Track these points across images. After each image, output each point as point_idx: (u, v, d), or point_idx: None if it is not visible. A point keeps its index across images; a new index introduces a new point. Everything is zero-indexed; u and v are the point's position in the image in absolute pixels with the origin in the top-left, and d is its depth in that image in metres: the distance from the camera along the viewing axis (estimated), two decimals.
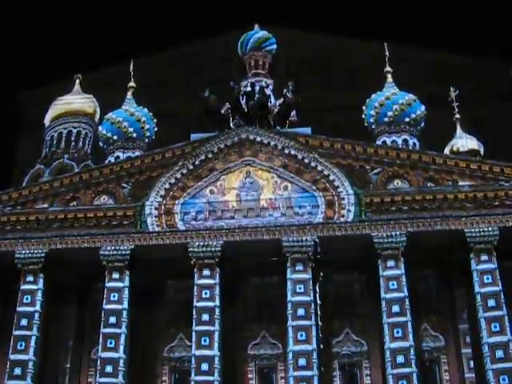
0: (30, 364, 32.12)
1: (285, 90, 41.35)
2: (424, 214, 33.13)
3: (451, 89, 44.26)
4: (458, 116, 45.32)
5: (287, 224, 33.60)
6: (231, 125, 39.68)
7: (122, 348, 32.12)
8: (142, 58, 46.92)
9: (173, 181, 34.91)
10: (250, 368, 35.66)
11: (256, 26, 47.55)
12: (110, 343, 32.30)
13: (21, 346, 32.44)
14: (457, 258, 33.97)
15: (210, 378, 31.06)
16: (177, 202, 34.41)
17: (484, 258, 32.32)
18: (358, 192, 33.60)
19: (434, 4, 69.87)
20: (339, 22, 65.87)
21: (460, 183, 33.52)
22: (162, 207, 34.35)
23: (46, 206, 35.18)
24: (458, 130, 45.68)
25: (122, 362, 31.85)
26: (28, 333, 32.70)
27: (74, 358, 36.28)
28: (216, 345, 31.73)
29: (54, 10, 75.14)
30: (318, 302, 34.01)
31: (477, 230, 32.51)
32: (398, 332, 31.24)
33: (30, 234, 34.54)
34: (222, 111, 40.98)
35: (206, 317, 32.31)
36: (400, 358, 30.72)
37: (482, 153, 43.87)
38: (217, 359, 31.48)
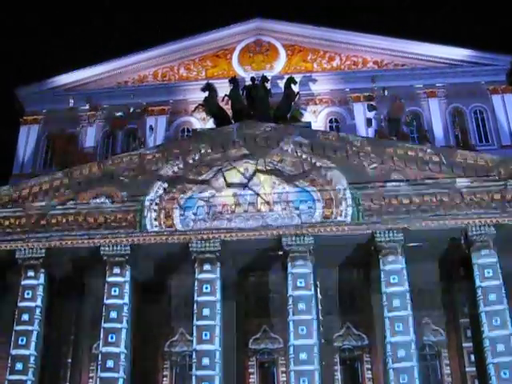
0: (32, 359, 32.11)
1: (285, 84, 41.54)
2: (423, 208, 33.11)
3: None
4: None
5: (287, 221, 33.45)
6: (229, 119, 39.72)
7: (123, 343, 32.07)
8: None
9: (172, 175, 34.83)
10: (250, 363, 35.83)
11: None
12: (111, 338, 32.30)
13: (22, 341, 32.42)
14: (457, 252, 33.94)
15: (211, 373, 30.98)
16: (176, 198, 34.27)
17: (485, 252, 32.21)
18: (356, 187, 33.51)
19: None
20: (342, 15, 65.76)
21: (458, 179, 33.35)
22: (163, 203, 34.23)
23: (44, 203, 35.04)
24: None
25: (123, 356, 31.79)
26: (29, 328, 32.68)
27: (75, 352, 36.36)
28: (217, 339, 31.65)
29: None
30: (319, 296, 34.12)
31: (477, 225, 32.46)
32: (398, 326, 31.07)
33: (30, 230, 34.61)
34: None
35: (206, 311, 32.29)
36: (401, 352, 30.61)
37: None
38: (218, 354, 31.40)
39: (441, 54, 44.18)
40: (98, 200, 34.74)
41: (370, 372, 34.83)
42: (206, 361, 31.16)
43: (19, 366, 31.86)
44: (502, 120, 42.15)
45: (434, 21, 73.21)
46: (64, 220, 34.43)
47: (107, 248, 33.67)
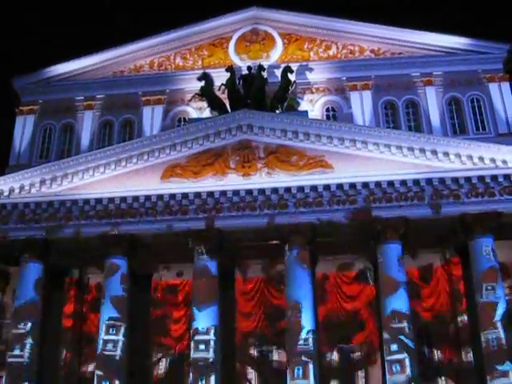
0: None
1: (281, 73, 41.50)
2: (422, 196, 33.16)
3: None
4: None
5: (285, 208, 33.53)
6: (226, 108, 39.69)
7: (122, 330, 32.31)
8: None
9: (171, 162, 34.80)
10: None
11: None
12: (112, 330, 32.46)
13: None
14: (455, 238, 34.13)
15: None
16: (175, 185, 34.20)
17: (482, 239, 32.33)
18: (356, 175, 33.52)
19: None
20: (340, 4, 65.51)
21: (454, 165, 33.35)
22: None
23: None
24: None
25: (120, 343, 32.04)
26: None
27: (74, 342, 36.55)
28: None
29: None
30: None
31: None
32: None
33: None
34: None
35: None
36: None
37: None
38: (212, 342, 31.68)
39: (437, 42, 44.05)
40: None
41: None
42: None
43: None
44: (498, 108, 42.06)
45: (430, 9, 73.16)
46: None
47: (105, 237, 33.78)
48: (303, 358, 30.78)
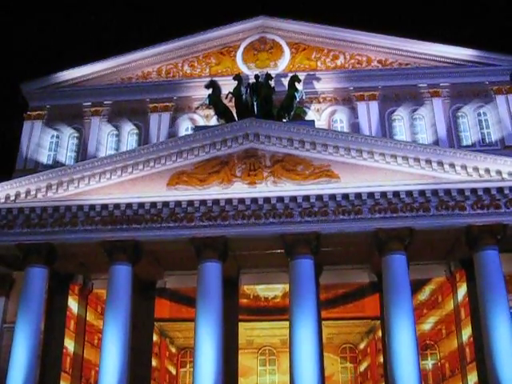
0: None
1: (288, 82, 41.58)
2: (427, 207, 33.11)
3: None
4: None
5: (290, 217, 33.50)
6: (233, 116, 39.78)
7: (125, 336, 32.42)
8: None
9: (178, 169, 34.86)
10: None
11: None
12: (112, 331, 32.51)
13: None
14: (460, 250, 34.06)
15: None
16: (181, 193, 34.23)
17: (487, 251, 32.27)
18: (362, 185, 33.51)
19: None
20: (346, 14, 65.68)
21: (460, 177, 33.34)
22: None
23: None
24: None
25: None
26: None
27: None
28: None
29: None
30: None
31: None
32: None
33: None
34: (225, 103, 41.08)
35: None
36: None
37: None
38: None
39: (445, 53, 44.11)
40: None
41: None
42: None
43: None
44: (505, 120, 42.02)
45: (438, 20, 73.28)
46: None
47: (110, 242, 33.90)
48: None
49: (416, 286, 35.59)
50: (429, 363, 37.92)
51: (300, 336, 31.27)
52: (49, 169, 37.91)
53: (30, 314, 33.10)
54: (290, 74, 42.38)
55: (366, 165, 33.81)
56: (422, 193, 32.91)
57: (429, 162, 33.33)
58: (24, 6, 79.33)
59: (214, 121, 41.99)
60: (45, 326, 33.84)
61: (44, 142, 44.80)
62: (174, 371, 42.88)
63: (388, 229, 32.74)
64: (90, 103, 45.28)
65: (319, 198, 33.20)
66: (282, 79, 42.75)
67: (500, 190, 32.71)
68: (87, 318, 38.69)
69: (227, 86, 41.42)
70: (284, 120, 39.20)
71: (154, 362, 38.14)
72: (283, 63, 45.06)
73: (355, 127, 42.45)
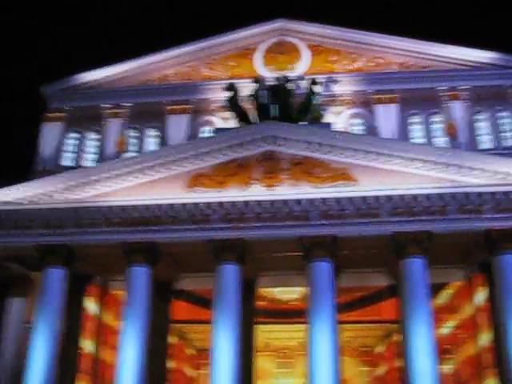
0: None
1: (307, 85, 41.58)
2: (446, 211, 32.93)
3: None
4: None
5: (308, 220, 33.46)
6: (251, 119, 39.85)
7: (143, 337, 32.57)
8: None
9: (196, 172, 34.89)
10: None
11: None
12: (130, 332, 32.63)
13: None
14: (478, 255, 33.85)
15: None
16: (199, 195, 34.30)
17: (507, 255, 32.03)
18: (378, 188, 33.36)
19: None
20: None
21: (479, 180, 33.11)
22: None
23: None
24: None
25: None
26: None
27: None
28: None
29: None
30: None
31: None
32: None
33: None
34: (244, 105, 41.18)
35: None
36: None
37: None
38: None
39: (464, 56, 43.89)
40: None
41: None
42: None
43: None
44: None
45: (458, 22, 72.90)
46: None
47: (127, 243, 34.09)
48: None
49: (434, 290, 35.28)
50: (446, 368, 37.70)
51: (317, 339, 31.24)
52: (68, 170, 38.16)
53: (48, 314, 33.27)
54: (309, 77, 42.40)
55: (384, 168, 33.70)
56: (440, 196, 32.72)
57: (447, 165, 33.13)
58: (44, 8, 79.86)
59: (232, 123, 42.08)
60: (62, 326, 34.09)
61: (63, 143, 45.12)
62: (191, 373, 42.94)
63: (406, 232, 32.59)
64: (109, 105, 45.56)
65: (337, 201, 33.12)
66: (301, 82, 42.72)
67: None
68: (104, 319, 38.89)
69: (246, 88, 41.53)
70: (302, 123, 39.18)
71: (171, 364, 38.27)
72: (302, 66, 45.06)
73: (373, 130, 42.36)
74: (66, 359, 34.79)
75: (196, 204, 33.90)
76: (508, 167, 32.71)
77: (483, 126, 42.71)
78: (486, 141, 42.15)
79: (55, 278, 34.21)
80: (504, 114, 42.74)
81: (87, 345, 37.24)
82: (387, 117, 42.76)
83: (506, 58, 43.30)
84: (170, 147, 36.47)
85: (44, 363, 32.38)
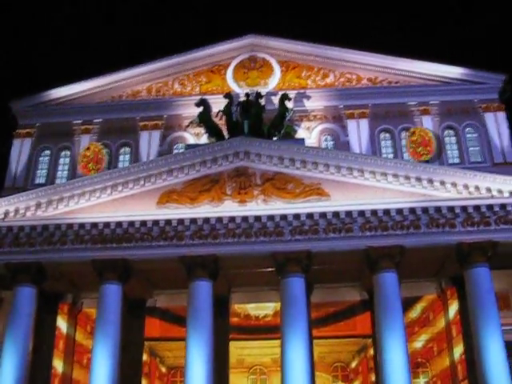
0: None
1: (278, 101, 41.70)
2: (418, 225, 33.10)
3: None
4: None
5: (281, 236, 33.43)
6: (225, 135, 39.83)
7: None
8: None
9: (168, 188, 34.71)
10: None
11: None
12: (102, 351, 32.17)
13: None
14: (450, 268, 34.05)
15: None
16: (171, 211, 34.11)
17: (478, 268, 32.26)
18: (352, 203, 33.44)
19: None
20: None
21: (450, 194, 33.35)
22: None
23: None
24: None
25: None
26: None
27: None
28: None
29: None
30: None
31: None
32: None
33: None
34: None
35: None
36: None
37: None
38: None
39: (434, 71, 44.31)
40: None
41: None
42: None
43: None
44: (494, 138, 42.15)
45: (427, 39, 73.79)
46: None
47: (99, 262, 33.68)
48: None
49: (407, 304, 35.52)
50: (420, 381, 37.85)
51: (291, 355, 31.12)
52: (38, 187, 37.66)
53: (19, 333, 32.77)
54: (280, 93, 42.56)
55: (356, 183, 33.86)
56: (412, 210, 32.95)
57: (419, 179, 33.41)
58: (13, 24, 79.41)
59: (204, 139, 41.99)
60: (33, 345, 33.51)
61: (33, 160, 44.62)
62: None
63: (379, 247, 32.72)
64: (80, 121, 45.14)
65: (310, 216, 33.19)
66: (272, 97, 42.90)
67: (490, 207, 32.79)
68: (76, 338, 38.45)
69: (217, 104, 41.54)
70: (274, 138, 39.29)
71: (144, 382, 37.87)
72: (273, 81, 45.13)
73: (345, 145, 42.48)
74: (37, 379, 34.33)
75: (168, 220, 33.78)
76: (478, 181, 33.05)
77: (453, 141, 43.07)
78: (455, 156, 42.47)
79: (26, 297, 33.76)
80: (473, 128, 43.14)
81: (59, 364, 36.73)
82: (359, 132, 42.96)
83: (476, 73, 43.77)
84: (142, 163, 36.21)
85: (14, 383, 31.78)
